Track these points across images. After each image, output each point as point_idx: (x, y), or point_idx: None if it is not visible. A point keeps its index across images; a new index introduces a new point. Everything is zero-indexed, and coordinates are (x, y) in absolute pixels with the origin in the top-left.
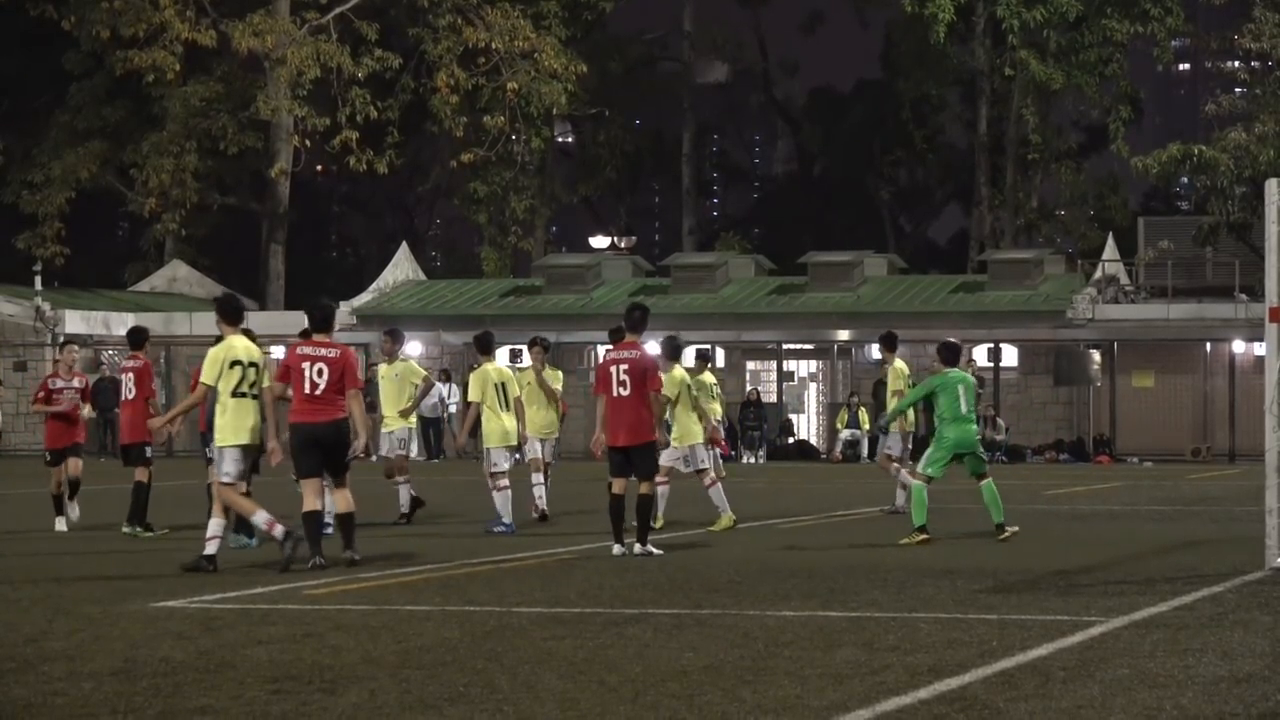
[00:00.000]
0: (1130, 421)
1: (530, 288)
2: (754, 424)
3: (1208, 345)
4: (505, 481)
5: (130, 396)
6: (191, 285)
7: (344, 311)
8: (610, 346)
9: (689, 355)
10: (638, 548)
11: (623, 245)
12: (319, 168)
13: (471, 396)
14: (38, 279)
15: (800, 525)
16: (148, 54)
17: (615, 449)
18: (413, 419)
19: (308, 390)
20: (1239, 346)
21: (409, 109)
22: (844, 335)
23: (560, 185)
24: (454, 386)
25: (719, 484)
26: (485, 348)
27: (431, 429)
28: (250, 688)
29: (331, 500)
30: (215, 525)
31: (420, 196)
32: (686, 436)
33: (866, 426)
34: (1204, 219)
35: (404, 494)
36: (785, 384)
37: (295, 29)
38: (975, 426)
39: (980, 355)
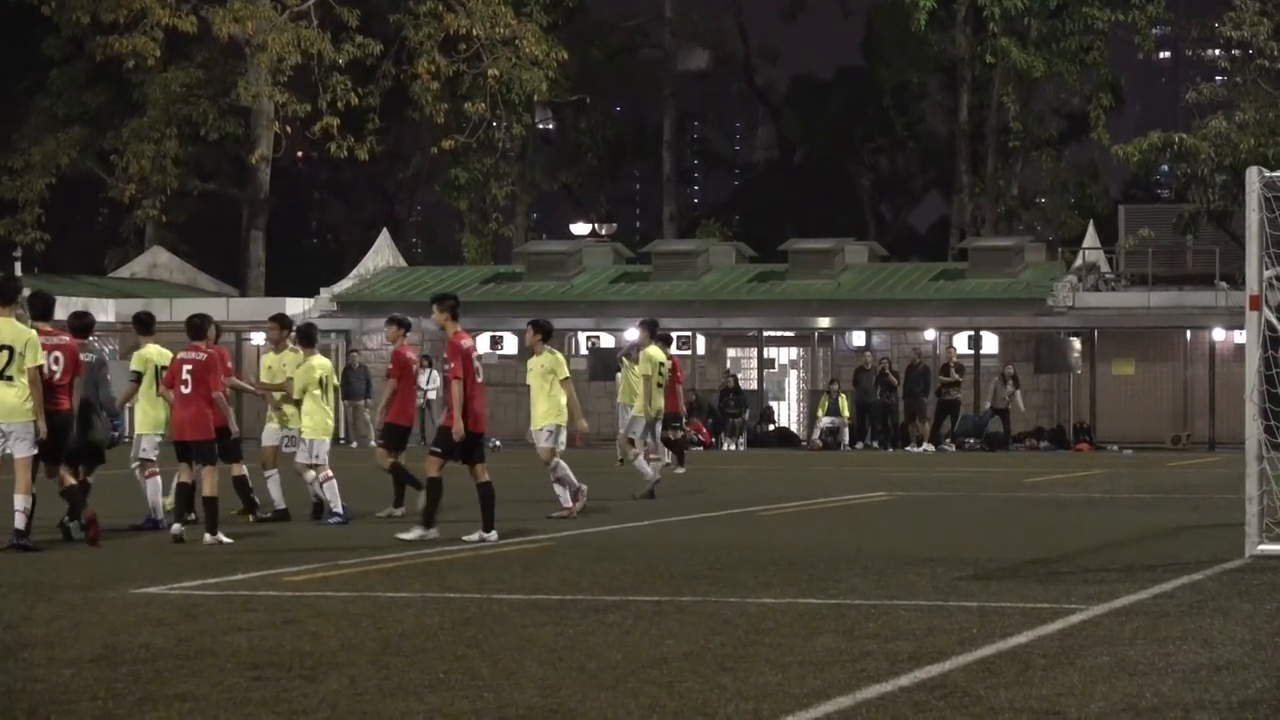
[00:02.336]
0: (1110, 409)
1: (511, 274)
2: (734, 411)
3: (1188, 333)
4: (330, 472)
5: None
6: (172, 271)
7: (324, 298)
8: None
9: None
10: (480, 535)
11: (603, 232)
12: (300, 154)
13: (295, 390)
14: (18, 265)
15: (781, 512)
16: (128, 40)
17: (472, 434)
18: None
19: (45, 378)
20: (1219, 334)
21: (390, 95)
22: (824, 323)
23: (541, 172)
24: (434, 373)
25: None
26: (309, 341)
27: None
28: (231, 674)
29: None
30: (20, 501)
31: (401, 183)
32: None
33: (847, 414)
34: (1184, 207)
35: (274, 489)
36: (765, 371)
37: (276, 15)
38: None
39: (960, 343)
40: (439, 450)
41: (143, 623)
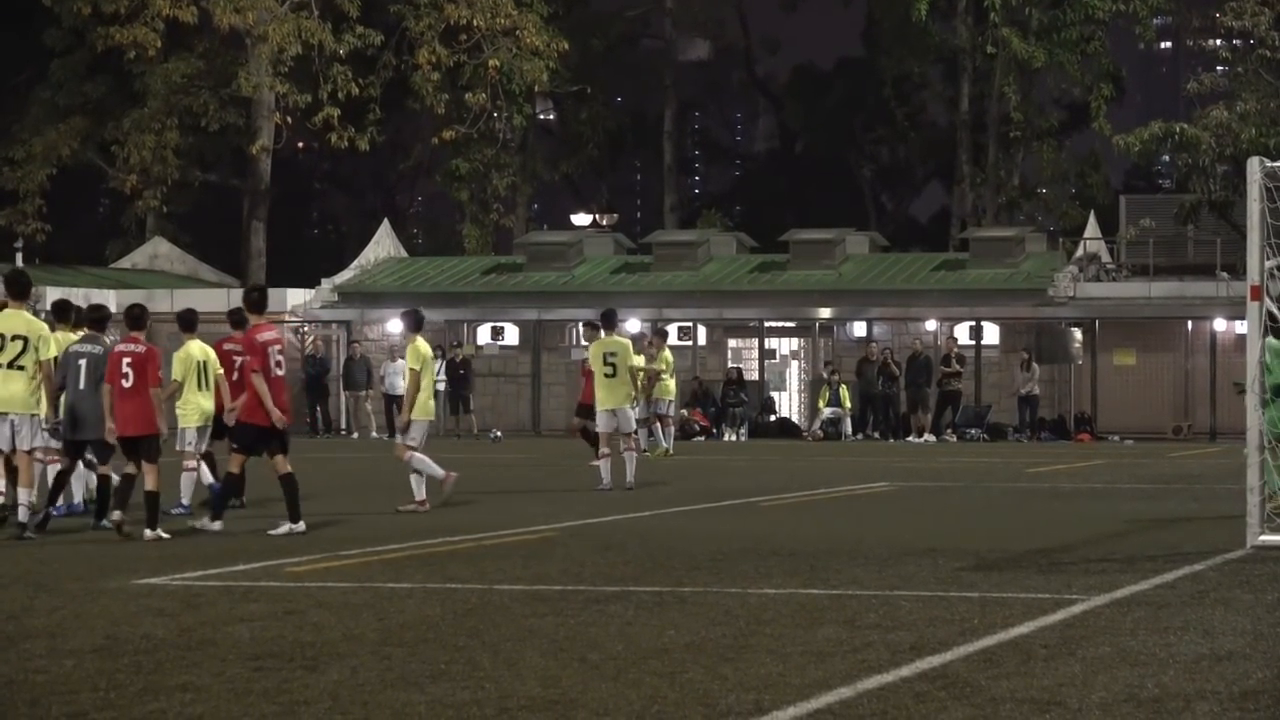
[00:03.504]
0: (1111, 400)
1: (512, 265)
2: (735, 401)
3: (1189, 323)
4: (193, 463)
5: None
6: (173, 262)
7: (325, 289)
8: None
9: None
10: (289, 527)
11: (604, 223)
12: (300, 145)
13: (175, 375)
14: (18, 255)
15: (782, 503)
16: (129, 30)
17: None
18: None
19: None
20: (1220, 325)
21: (390, 86)
22: (825, 313)
23: (542, 162)
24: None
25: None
26: (189, 325)
27: (395, 406)
28: (232, 665)
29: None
30: (24, 494)
31: (402, 174)
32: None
33: (848, 404)
34: (1185, 197)
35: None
36: (767, 362)
37: (277, 5)
38: None
39: (962, 333)
40: (237, 446)
41: (144, 613)
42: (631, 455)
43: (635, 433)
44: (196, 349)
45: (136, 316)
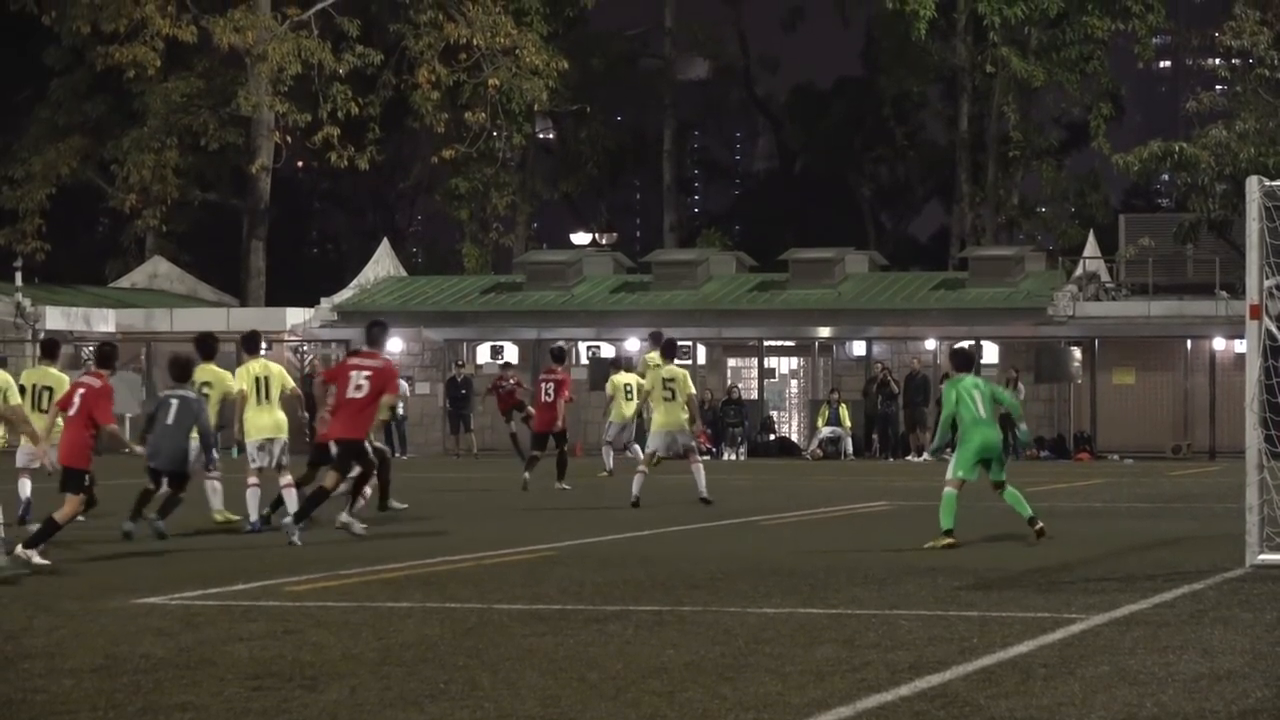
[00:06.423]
0: (1111, 418)
1: (511, 284)
2: (735, 421)
3: (1188, 342)
4: (255, 479)
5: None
6: (172, 281)
7: (325, 308)
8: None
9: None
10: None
11: (604, 242)
12: (300, 164)
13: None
14: (18, 275)
15: (781, 522)
16: (128, 49)
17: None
18: None
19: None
20: (1219, 344)
21: (390, 105)
22: (825, 332)
23: (541, 181)
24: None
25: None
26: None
27: (394, 426)
28: (231, 684)
29: None
30: None
31: (401, 193)
32: None
33: (848, 424)
34: (1185, 216)
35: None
36: (766, 381)
37: (276, 24)
38: (996, 431)
39: None
40: None
41: (143, 633)
42: (699, 469)
43: (695, 447)
44: (258, 366)
45: None
